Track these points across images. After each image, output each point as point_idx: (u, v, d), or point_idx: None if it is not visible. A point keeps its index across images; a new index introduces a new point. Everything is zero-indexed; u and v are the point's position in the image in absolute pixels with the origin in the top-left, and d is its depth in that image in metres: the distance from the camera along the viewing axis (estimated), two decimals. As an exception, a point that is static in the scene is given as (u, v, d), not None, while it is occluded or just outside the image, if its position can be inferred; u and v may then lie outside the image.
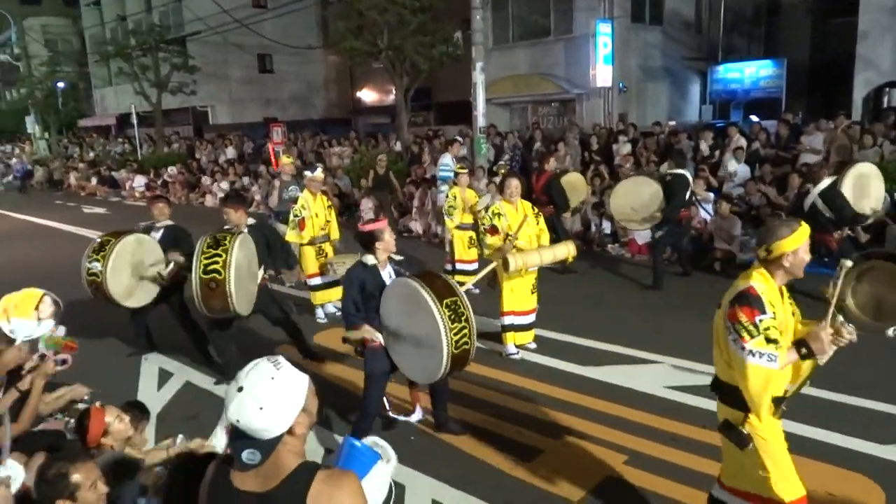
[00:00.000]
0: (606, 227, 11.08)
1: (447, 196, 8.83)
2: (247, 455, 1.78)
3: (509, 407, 5.25)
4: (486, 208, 6.45)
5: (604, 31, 17.75)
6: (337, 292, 7.37)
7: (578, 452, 4.57)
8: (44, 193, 25.15)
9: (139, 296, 6.31)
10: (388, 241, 4.44)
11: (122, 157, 26.90)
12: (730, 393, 3.06)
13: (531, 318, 6.32)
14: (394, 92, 19.82)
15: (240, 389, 1.76)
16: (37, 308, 4.32)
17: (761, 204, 10.25)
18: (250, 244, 5.71)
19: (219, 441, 3.38)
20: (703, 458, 4.36)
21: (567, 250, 6.20)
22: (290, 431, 1.81)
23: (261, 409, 1.74)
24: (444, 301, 3.93)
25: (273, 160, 11.90)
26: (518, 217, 6.16)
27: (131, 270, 6.20)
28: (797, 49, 22.00)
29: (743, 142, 12.02)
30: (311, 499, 1.78)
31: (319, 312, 7.84)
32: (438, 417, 4.81)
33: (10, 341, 3.60)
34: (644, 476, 4.24)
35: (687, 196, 8.51)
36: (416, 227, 12.93)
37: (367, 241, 4.44)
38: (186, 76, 25.71)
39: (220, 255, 5.22)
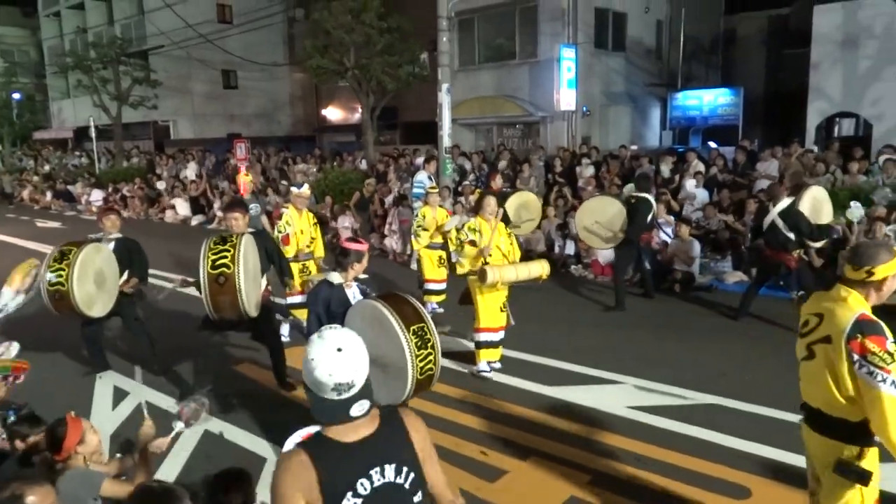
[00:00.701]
0: (570, 247, 11.20)
1: (416, 215, 8.81)
2: (358, 408, 2.00)
3: (473, 427, 5.22)
4: (463, 225, 6.43)
5: (568, 55, 18.08)
6: None
7: (543, 473, 4.56)
8: (-5, 207, 24.40)
9: (99, 306, 6.11)
10: (364, 264, 4.49)
11: (79, 171, 26.26)
12: (839, 427, 2.83)
13: (500, 335, 6.34)
14: (359, 110, 19.85)
15: (339, 350, 1.98)
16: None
17: (720, 228, 10.49)
18: (254, 247, 5.63)
19: (177, 427, 3.48)
20: (667, 479, 4.40)
21: (542, 268, 6.27)
22: None
23: (362, 350, 2.04)
24: (412, 328, 3.89)
25: (240, 186, 11.70)
26: (497, 236, 6.24)
27: (94, 279, 6.03)
28: (753, 78, 22.79)
29: (702, 167, 12.32)
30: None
31: (284, 329, 7.63)
32: None
33: None
34: (608, 496, 4.24)
35: (649, 219, 8.68)
36: (388, 244, 12.89)
37: (346, 259, 4.41)
38: (148, 90, 25.33)
39: (228, 251, 5.11)
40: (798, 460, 4.60)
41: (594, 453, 4.79)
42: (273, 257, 6.24)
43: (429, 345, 3.90)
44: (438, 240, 8.51)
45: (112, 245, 6.46)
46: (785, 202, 7.32)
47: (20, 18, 41.98)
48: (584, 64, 18.81)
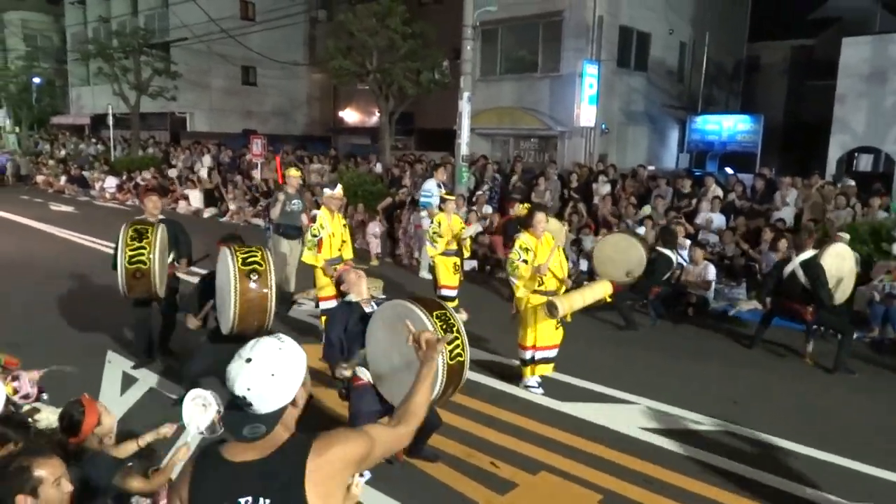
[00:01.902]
0: (583, 264, 11.12)
1: (431, 222, 8.73)
2: (249, 430, 1.83)
3: (486, 438, 5.14)
4: (515, 245, 6.18)
5: (591, 72, 18.06)
6: None
7: (553, 489, 4.48)
8: (11, 188, 24.47)
9: (161, 286, 6.00)
10: (349, 280, 4.47)
11: (95, 157, 26.37)
12: None
13: (554, 352, 6.18)
14: (376, 114, 19.88)
15: (248, 360, 1.83)
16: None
17: (735, 254, 10.40)
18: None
19: (190, 429, 3.32)
20: (677, 503, 4.32)
21: (605, 289, 6.09)
22: (292, 402, 1.90)
23: (272, 375, 1.83)
24: (434, 313, 3.83)
25: (279, 174, 11.60)
26: (545, 250, 6.05)
27: (160, 258, 5.96)
28: (773, 107, 22.75)
29: (720, 192, 12.23)
30: (311, 457, 1.84)
31: None
32: (416, 443, 4.63)
33: None
34: (620, 517, 4.16)
35: (664, 277, 8.70)
36: (400, 250, 12.82)
37: (336, 287, 4.52)
38: (167, 81, 25.46)
39: (257, 252, 5.05)
40: (807, 493, 4.53)
41: (605, 472, 4.71)
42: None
43: (454, 329, 3.81)
44: (454, 246, 8.46)
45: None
46: (808, 253, 7.17)
47: (44, 4, 42.35)
48: (606, 81, 18.80)
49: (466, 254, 8.80)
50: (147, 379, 6.19)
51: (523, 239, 6.06)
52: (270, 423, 1.85)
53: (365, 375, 4.21)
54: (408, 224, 12.64)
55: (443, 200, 8.94)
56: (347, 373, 4.18)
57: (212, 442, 2.00)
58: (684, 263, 10.00)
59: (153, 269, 5.78)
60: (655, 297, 8.99)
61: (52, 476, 2.50)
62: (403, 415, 2.16)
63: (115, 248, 6.14)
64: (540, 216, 6.10)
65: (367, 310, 4.31)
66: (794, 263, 7.17)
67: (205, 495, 1.87)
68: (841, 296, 7.28)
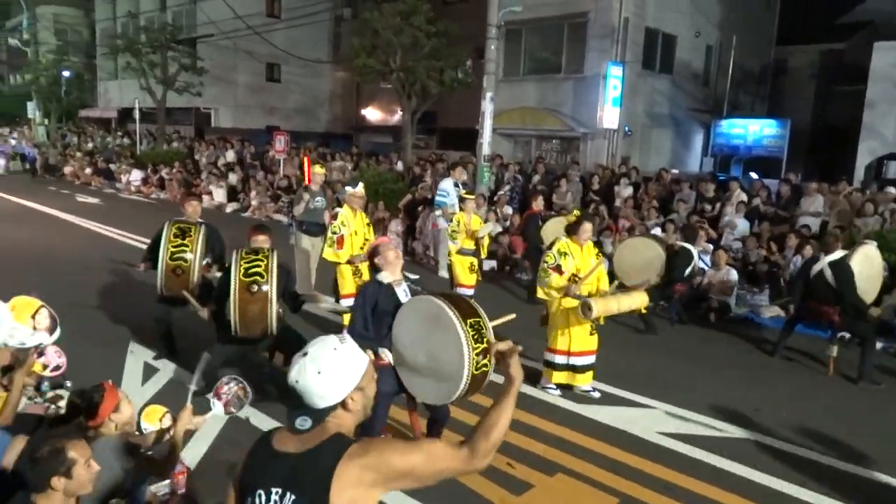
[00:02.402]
0: (604, 266, 11.02)
1: (450, 221, 8.75)
2: (299, 421, 1.87)
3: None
4: (551, 247, 6.13)
5: (615, 73, 17.93)
6: None
7: (569, 491, 4.46)
8: (39, 179, 24.91)
9: (197, 286, 6.08)
10: (386, 256, 4.39)
11: (121, 151, 26.75)
12: None
13: (591, 359, 6.09)
14: (399, 112, 19.90)
15: (304, 354, 1.89)
16: (33, 317, 4.22)
17: (758, 260, 10.27)
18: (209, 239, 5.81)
19: (215, 409, 3.45)
20: (698, 510, 4.28)
21: (641, 300, 6.00)
22: (342, 405, 1.89)
23: (319, 373, 1.85)
24: (469, 321, 3.79)
25: (308, 174, 11.63)
26: (586, 259, 6.00)
27: (199, 258, 6.08)
28: (801, 111, 22.42)
29: (744, 196, 12.09)
30: (344, 460, 1.80)
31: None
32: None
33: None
34: (636, 522, 4.13)
35: (686, 272, 8.54)
36: (417, 248, 12.84)
37: (369, 258, 4.45)
38: (194, 77, 25.72)
39: (262, 261, 5.10)
40: (827, 502, 4.45)
41: (622, 476, 4.67)
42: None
43: (485, 339, 3.78)
44: (471, 245, 8.45)
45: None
46: (837, 254, 7.02)
47: (76, 0, 43.07)
48: (630, 83, 18.65)
49: (483, 254, 8.77)
50: (167, 370, 6.26)
51: (563, 243, 6.00)
52: (317, 418, 1.87)
53: (387, 356, 4.22)
54: (424, 223, 12.65)
55: (462, 200, 8.95)
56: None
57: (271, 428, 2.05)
58: (706, 268, 9.89)
59: (193, 268, 5.91)
60: (678, 297, 8.90)
61: (82, 457, 2.61)
62: (477, 440, 1.92)
63: (153, 244, 6.27)
64: (587, 226, 6.06)
65: (399, 292, 4.31)
66: (823, 263, 7.03)
67: (247, 478, 1.94)
68: (866, 298, 7.10)
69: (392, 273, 4.36)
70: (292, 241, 9.22)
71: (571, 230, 6.01)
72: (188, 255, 5.93)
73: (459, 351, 3.70)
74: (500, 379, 3.65)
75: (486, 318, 3.90)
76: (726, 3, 21.32)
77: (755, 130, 20.25)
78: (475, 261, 8.51)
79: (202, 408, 3.65)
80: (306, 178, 11.48)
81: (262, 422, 5.14)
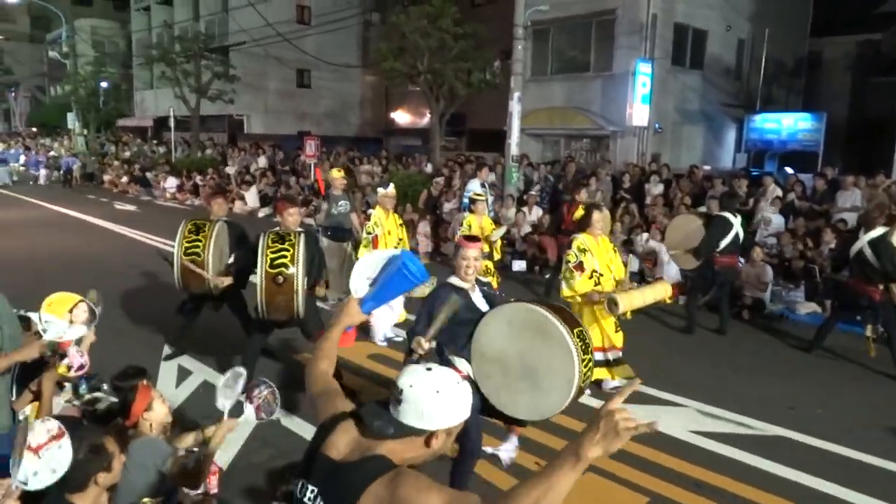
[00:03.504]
0: (634, 264, 10.93)
1: (460, 224, 8.65)
2: (380, 424, 1.79)
3: (530, 437, 5.12)
4: (573, 246, 6.07)
5: (644, 70, 17.77)
6: (404, 315, 7.44)
7: (599, 490, 4.43)
8: (78, 188, 25.58)
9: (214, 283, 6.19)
10: (458, 262, 4.00)
11: (156, 158, 27.35)
12: None
13: (616, 354, 6.08)
14: (427, 115, 19.98)
15: (429, 369, 1.83)
16: (70, 311, 4.34)
17: (794, 256, 10.08)
18: (309, 247, 5.56)
19: (247, 413, 3.40)
20: (729, 508, 4.23)
21: (665, 290, 5.96)
22: (427, 436, 1.80)
23: (437, 392, 1.78)
24: (575, 331, 3.54)
25: (320, 184, 11.63)
26: (603, 252, 5.96)
27: (216, 254, 6.14)
28: (836, 104, 21.90)
29: (779, 192, 11.87)
30: (378, 482, 1.71)
31: (380, 335, 7.42)
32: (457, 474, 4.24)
33: (38, 335, 3.57)
34: (667, 520, 4.10)
35: (725, 241, 7.91)
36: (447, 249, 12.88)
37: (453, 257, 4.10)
38: (226, 85, 26.18)
39: (288, 250, 5.12)
40: (866, 501, 4.36)
41: (653, 475, 4.64)
42: (315, 259, 6.02)
43: (589, 349, 3.62)
44: (485, 248, 8.32)
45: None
46: (878, 231, 6.83)
47: (112, 12, 44.30)
48: (660, 80, 18.47)
49: (497, 256, 8.67)
50: (201, 372, 6.39)
51: (581, 240, 5.97)
52: (399, 431, 1.78)
53: (465, 368, 3.85)
54: (455, 223, 12.68)
55: (473, 202, 8.77)
56: (423, 349, 3.74)
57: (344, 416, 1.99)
58: (741, 264, 9.64)
59: (207, 263, 5.94)
60: (728, 269, 8.24)
61: (116, 451, 2.68)
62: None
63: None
64: (598, 215, 6.04)
65: (475, 299, 4.01)
66: (862, 241, 6.85)
67: (304, 461, 1.97)
68: None
69: (464, 279, 4.01)
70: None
71: (583, 223, 5.99)
72: (201, 250, 5.97)
73: (569, 363, 3.47)
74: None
75: (587, 329, 3.74)
76: (758, -4, 20.96)
77: (789, 124, 19.84)
78: (490, 264, 8.45)
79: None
80: (321, 189, 11.56)
81: (295, 424, 5.22)
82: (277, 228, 5.60)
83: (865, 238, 6.84)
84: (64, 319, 4.19)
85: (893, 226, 6.91)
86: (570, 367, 3.46)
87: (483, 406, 3.84)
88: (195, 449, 3.55)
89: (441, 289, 4.01)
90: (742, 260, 9.56)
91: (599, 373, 5.98)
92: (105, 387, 4.94)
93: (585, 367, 3.52)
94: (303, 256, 5.22)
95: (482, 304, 4.00)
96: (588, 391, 5.99)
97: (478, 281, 4.09)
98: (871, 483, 4.62)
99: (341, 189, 9.02)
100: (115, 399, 3.73)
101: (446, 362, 3.81)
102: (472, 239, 4.09)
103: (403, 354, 4.36)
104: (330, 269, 8.66)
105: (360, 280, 2.54)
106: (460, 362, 3.87)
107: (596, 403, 5.76)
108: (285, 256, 5.12)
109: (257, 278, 5.14)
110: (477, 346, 3.82)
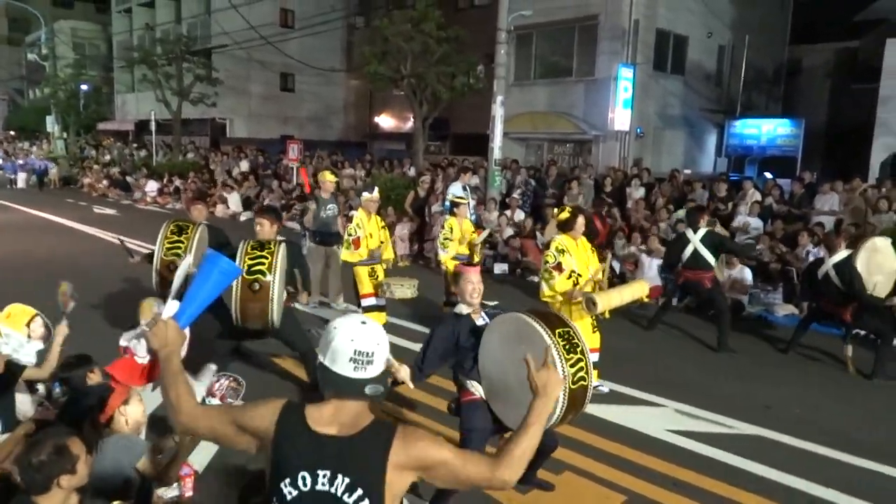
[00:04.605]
0: (616, 266, 10.99)
1: (442, 227, 8.61)
2: (371, 388, 1.92)
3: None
4: (548, 246, 6.10)
5: (625, 75, 17.91)
6: (385, 317, 7.43)
7: (576, 489, 4.44)
8: (57, 192, 25.29)
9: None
10: (463, 287, 3.91)
11: (138, 162, 27.10)
12: None
13: (595, 356, 5.93)
14: (411, 119, 19.98)
15: (363, 322, 1.95)
16: (28, 325, 4.29)
17: (772, 259, 10.18)
18: (289, 258, 5.52)
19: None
20: (705, 506, 4.25)
21: (642, 289, 5.98)
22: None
23: (384, 335, 1.99)
24: (557, 330, 3.48)
25: (305, 182, 11.53)
26: (582, 253, 5.97)
27: (197, 256, 6.09)
28: (815, 111, 22.22)
29: (758, 196, 12.01)
30: (394, 447, 1.88)
31: None
32: (529, 468, 4.29)
33: None
34: (643, 519, 4.11)
35: (685, 256, 7.72)
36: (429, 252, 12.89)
37: (455, 280, 4.05)
38: (208, 88, 26.01)
39: (266, 258, 5.07)
40: (841, 498, 4.40)
41: (630, 474, 4.64)
42: (297, 266, 6.03)
43: (578, 349, 3.50)
44: (465, 252, 8.30)
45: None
46: (841, 255, 6.91)
47: (93, 14, 43.92)
48: (641, 85, 18.61)
49: (477, 258, 8.65)
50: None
51: (559, 240, 5.99)
52: (385, 384, 1.97)
53: (477, 390, 3.83)
54: (437, 228, 12.69)
55: (454, 205, 8.74)
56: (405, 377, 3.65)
57: (296, 400, 2.05)
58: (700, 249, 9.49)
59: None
60: (679, 283, 8.28)
61: (82, 452, 2.62)
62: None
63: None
64: (582, 220, 6.05)
65: (479, 322, 3.93)
66: (828, 266, 6.96)
67: (285, 458, 1.91)
68: (880, 290, 6.89)
69: (469, 305, 3.95)
70: (306, 252, 9.13)
71: (567, 226, 6.01)
72: (183, 251, 5.91)
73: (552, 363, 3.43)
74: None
75: (578, 330, 3.63)
76: (738, 3, 21.21)
77: (769, 130, 20.08)
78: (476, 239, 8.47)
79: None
80: (307, 188, 11.48)
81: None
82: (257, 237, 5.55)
83: (830, 262, 6.91)
84: (22, 333, 4.15)
85: (857, 247, 6.95)
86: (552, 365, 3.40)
87: (496, 428, 3.85)
88: (160, 455, 3.51)
89: (443, 322, 4.00)
90: (728, 271, 9.50)
91: None
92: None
93: (573, 366, 3.41)
94: (280, 265, 5.19)
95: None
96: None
97: (485, 306, 4.05)
98: (847, 481, 4.66)
99: (330, 192, 8.94)
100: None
101: (460, 386, 3.91)
102: (470, 265, 4.26)
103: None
104: (312, 273, 8.66)
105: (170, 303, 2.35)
106: (472, 385, 3.87)
107: (599, 413, 5.68)
108: (263, 263, 5.09)
109: (233, 285, 5.05)
110: (482, 369, 3.81)
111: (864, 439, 5.35)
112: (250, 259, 5.07)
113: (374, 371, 1.93)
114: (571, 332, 3.56)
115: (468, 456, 1.99)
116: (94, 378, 3.92)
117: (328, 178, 9.09)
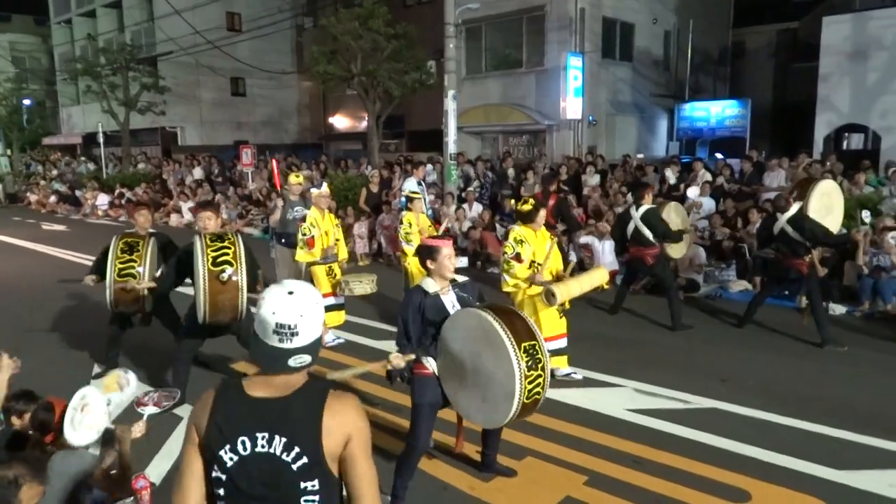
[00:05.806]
0: (572, 255, 11.10)
1: (401, 222, 8.61)
2: (295, 360, 1.92)
3: (470, 426, 5.12)
4: (507, 236, 6.12)
5: (574, 64, 18.08)
6: (344, 316, 7.43)
7: (539, 473, 4.47)
8: (2, 210, 24.52)
9: (150, 299, 6.02)
10: (441, 262, 3.92)
11: (86, 176, 26.41)
12: None
13: (563, 342, 6.08)
14: (366, 118, 19.88)
15: (290, 293, 1.92)
16: (118, 383, 4.20)
17: (724, 237, 10.40)
18: (246, 246, 5.38)
19: (148, 412, 3.43)
20: (666, 481, 4.32)
21: (601, 277, 5.98)
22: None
23: (316, 303, 1.96)
24: (523, 345, 3.52)
25: (276, 179, 11.34)
26: (541, 244, 5.97)
27: (150, 271, 5.96)
28: (761, 91, 22.77)
29: (708, 176, 12.26)
30: (327, 408, 1.91)
31: (329, 336, 7.23)
32: (486, 458, 4.45)
33: None
34: (605, 498, 4.16)
35: (628, 231, 7.89)
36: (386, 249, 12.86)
37: (421, 257, 4.04)
38: (156, 96, 25.48)
39: (229, 248, 4.95)
40: (797, 464, 4.52)
41: (591, 454, 4.70)
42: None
43: (539, 366, 3.55)
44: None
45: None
46: (793, 209, 7.10)
47: (33, 26, 42.52)
48: (591, 73, 18.83)
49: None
50: (138, 389, 6.17)
51: (518, 231, 6.00)
52: (313, 353, 1.95)
53: (431, 365, 3.91)
54: (382, 221, 12.75)
55: (409, 200, 8.70)
56: (400, 363, 3.79)
57: (234, 377, 2.07)
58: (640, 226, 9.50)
59: (144, 280, 5.80)
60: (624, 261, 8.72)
61: (26, 476, 2.52)
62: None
63: (100, 260, 6.16)
64: (543, 213, 6.08)
65: (446, 302, 3.94)
66: (781, 222, 7.09)
67: (224, 425, 1.92)
68: (832, 228, 7.25)
69: (439, 281, 3.98)
70: (273, 255, 8.99)
71: (527, 217, 6.01)
72: (136, 270, 5.81)
73: (512, 381, 3.46)
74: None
75: (542, 341, 3.66)
76: (682, -11, 21.59)
77: (717, 112, 20.51)
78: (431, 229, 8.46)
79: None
80: (276, 184, 11.33)
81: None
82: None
83: (784, 218, 7.08)
84: (116, 392, 4.05)
85: (806, 197, 7.19)
86: (511, 384, 3.46)
87: (444, 402, 3.96)
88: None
89: (412, 292, 4.02)
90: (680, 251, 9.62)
91: (554, 361, 5.96)
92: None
93: (531, 383, 3.48)
94: (244, 254, 5.09)
95: (452, 308, 3.95)
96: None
97: (455, 283, 4.04)
98: (801, 445, 4.78)
99: (297, 195, 8.83)
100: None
101: (417, 357, 3.91)
102: (437, 237, 4.23)
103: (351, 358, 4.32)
104: (280, 276, 8.53)
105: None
106: (428, 360, 3.93)
107: (559, 396, 5.74)
108: (227, 254, 4.96)
109: (198, 280, 4.93)
110: (441, 347, 3.89)
111: (815, 404, 5.51)
112: (213, 251, 4.93)
113: (300, 342, 1.92)
114: (536, 346, 3.61)
115: (373, 472, 1.97)
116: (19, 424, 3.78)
117: (293, 180, 8.96)
